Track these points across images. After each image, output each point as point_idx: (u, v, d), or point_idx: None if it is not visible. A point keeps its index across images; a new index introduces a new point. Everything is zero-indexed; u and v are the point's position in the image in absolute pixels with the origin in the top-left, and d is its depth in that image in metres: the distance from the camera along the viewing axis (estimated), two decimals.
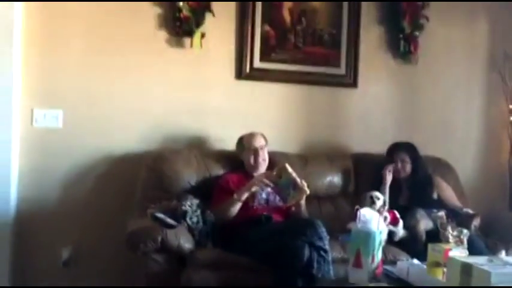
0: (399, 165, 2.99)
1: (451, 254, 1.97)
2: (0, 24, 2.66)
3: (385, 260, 2.30)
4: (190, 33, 2.98)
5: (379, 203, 2.60)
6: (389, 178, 2.95)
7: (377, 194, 2.74)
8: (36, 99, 2.86)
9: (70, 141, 2.90)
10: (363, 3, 3.33)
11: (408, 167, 3.01)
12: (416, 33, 3.36)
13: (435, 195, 2.99)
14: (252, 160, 2.80)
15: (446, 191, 3.03)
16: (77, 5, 2.88)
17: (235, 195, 2.60)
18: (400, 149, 3.02)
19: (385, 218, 2.27)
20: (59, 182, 2.90)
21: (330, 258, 2.34)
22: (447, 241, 2.14)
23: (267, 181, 2.58)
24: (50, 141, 2.88)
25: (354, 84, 3.35)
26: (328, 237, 2.39)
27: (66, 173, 2.91)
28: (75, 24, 2.90)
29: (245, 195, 2.60)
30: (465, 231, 2.17)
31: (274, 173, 2.59)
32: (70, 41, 2.90)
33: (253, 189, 2.61)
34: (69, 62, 2.90)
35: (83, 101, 2.92)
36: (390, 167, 2.97)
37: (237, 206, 2.60)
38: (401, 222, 2.58)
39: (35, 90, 2.86)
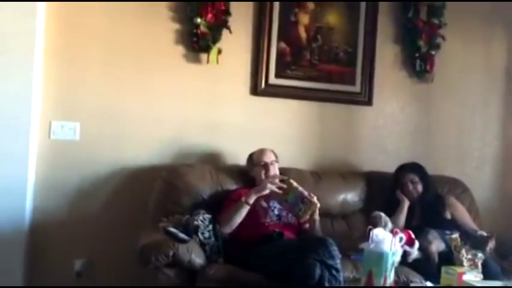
0: (410, 186, 2.97)
1: (465, 277, 1.95)
2: (21, 38, 2.71)
3: (397, 281, 2.28)
4: (207, 49, 3.01)
5: (386, 226, 2.56)
6: (406, 202, 2.93)
7: (377, 214, 2.68)
8: (54, 112, 2.90)
9: (86, 154, 2.93)
10: (379, 21, 3.34)
11: (419, 187, 2.98)
12: (433, 52, 3.36)
13: (448, 215, 2.96)
14: (263, 175, 2.79)
15: (461, 212, 2.99)
16: (96, 20, 2.93)
17: (243, 198, 2.60)
18: (408, 170, 3.01)
19: (401, 239, 2.25)
20: (74, 194, 2.93)
21: (341, 278, 2.31)
22: (461, 264, 2.11)
23: (277, 182, 2.57)
24: (67, 154, 2.91)
25: (368, 102, 3.35)
26: (340, 256, 2.35)
27: (82, 185, 2.93)
28: (93, 39, 2.95)
29: (253, 199, 2.60)
30: (480, 254, 2.13)
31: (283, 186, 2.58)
32: (88, 55, 2.95)
33: (264, 192, 2.60)
34: (88, 75, 2.95)
35: (100, 114, 2.96)
36: (399, 191, 2.96)
37: (244, 211, 2.59)
38: (417, 243, 2.55)
39: (54, 102, 2.90)
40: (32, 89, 2.76)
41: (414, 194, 2.98)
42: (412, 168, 3.02)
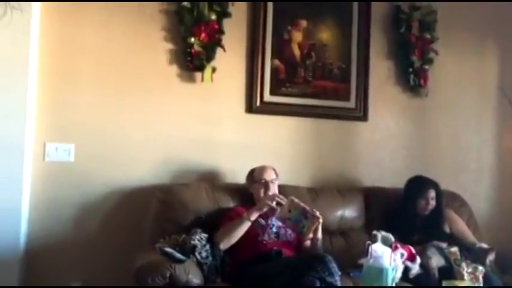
0: (430, 203, 2.93)
1: None
2: (15, 60, 2.71)
3: None
4: (201, 68, 3.02)
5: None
6: None
7: (376, 234, 2.63)
8: (48, 133, 2.89)
9: (81, 175, 2.91)
10: (372, 37, 3.36)
11: (434, 204, 2.95)
12: (426, 66, 3.38)
13: (447, 229, 2.94)
14: (262, 193, 2.77)
15: (460, 225, 2.97)
16: (90, 40, 2.94)
17: (245, 214, 2.58)
18: (431, 186, 2.97)
19: (402, 255, 2.21)
20: (69, 216, 2.89)
21: None
22: (462, 278, 2.09)
23: (279, 198, 2.57)
24: (62, 175, 2.89)
25: (364, 117, 3.36)
26: (339, 273, 2.33)
27: (77, 207, 2.91)
28: (87, 59, 2.95)
29: (255, 216, 2.58)
30: (480, 267, 2.11)
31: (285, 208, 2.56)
32: (82, 75, 2.95)
33: (265, 209, 2.60)
34: (82, 96, 2.94)
35: (95, 135, 2.95)
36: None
37: (244, 227, 2.56)
38: (418, 259, 2.52)
39: (48, 123, 2.89)
40: (25, 110, 2.75)
41: (427, 210, 2.93)
42: (433, 184, 2.98)
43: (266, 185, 2.79)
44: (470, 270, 2.06)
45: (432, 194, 2.95)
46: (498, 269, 2.71)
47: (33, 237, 2.84)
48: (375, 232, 2.49)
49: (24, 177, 2.76)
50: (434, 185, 2.99)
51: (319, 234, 2.66)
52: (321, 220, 2.57)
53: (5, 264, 2.68)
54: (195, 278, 2.36)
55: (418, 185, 2.99)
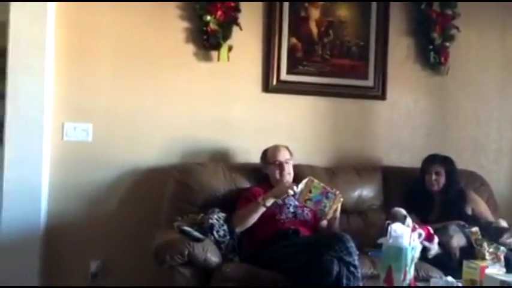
0: (433, 177, 2.91)
1: (488, 271, 1.90)
2: (32, 40, 2.72)
3: (417, 277, 2.23)
4: (217, 47, 2.99)
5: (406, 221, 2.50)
6: None
7: (396, 211, 2.59)
8: (67, 113, 2.91)
9: (99, 155, 2.93)
10: (391, 14, 3.29)
11: (442, 180, 2.92)
12: (447, 43, 3.30)
13: (469, 211, 2.90)
14: (277, 174, 2.76)
15: (482, 207, 2.93)
16: (106, 20, 2.94)
17: (260, 200, 2.56)
18: (436, 161, 2.94)
19: (420, 235, 2.19)
20: (88, 195, 2.92)
21: (359, 275, 2.28)
22: (483, 258, 2.06)
23: (293, 186, 2.53)
24: (80, 155, 2.92)
25: (382, 96, 3.30)
26: (357, 253, 2.33)
27: (95, 186, 2.93)
28: (104, 39, 2.95)
29: (271, 202, 2.56)
30: (502, 247, 2.08)
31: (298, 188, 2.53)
32: (100, 55, 2.95)
33: (283, 196, 2.56)
34: (99, 76, 2.95)
35: (113, 115, 2.96)
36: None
37: (259, 212, 2.55)
38: (436, 239, 2.50)
39: (66, 104, 2.90)
40: (44, 91, 2.77)
41: (434, 186, 2.91)
42: (440, 160, 2.95)
43: (281, 166, 2.77)
44: (491, 250, 2.03)
45: (437, 168, 2.91)
46: None
47: (52, 216, 2.88)
48: (394, 210, 2.46)
49: (43, 157, 2.79)
50: (440, 160, 2.95)
51: (338, 214, 2.64)
52: (341, 199, 2.55)
53: (26, 241, 2.73)
54: (213, 257, 2.38)
55: (425, 160, 2.98)
